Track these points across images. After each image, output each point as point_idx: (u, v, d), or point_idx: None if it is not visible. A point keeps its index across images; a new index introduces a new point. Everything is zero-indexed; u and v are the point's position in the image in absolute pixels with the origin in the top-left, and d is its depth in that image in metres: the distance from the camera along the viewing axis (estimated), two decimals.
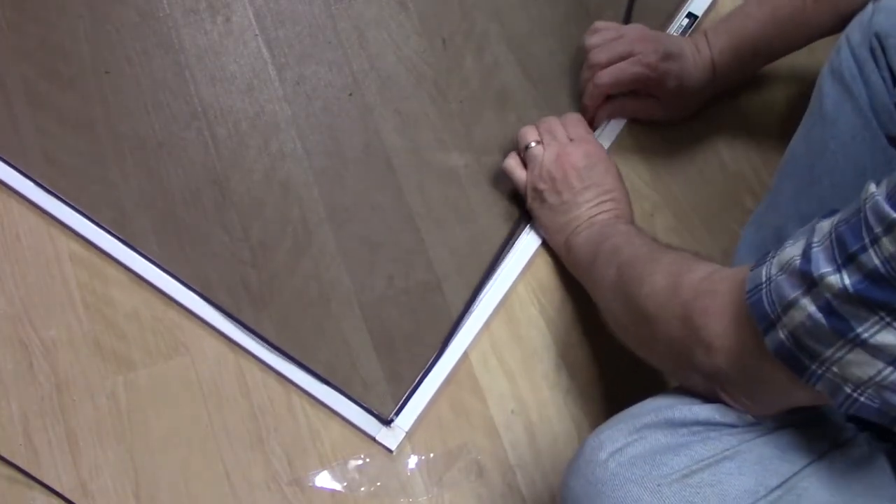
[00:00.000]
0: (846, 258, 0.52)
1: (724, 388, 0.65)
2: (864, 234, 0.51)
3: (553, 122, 0.98)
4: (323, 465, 0.92)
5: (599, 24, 1.02)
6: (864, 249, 0.51)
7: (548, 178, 0.94)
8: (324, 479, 0.91)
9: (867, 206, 0.52)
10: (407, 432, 0.92)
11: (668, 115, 1.02)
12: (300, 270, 0.98)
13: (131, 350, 0.95)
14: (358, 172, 1.03)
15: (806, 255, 0.55)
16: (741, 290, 0.60)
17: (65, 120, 1.03)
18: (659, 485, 0.63)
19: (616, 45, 0.98)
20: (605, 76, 0.97)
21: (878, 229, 0.50)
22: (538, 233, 0.99)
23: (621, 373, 0.95)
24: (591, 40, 1.00)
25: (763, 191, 0.93)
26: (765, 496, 0.62)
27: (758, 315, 0.58)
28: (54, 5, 1.08)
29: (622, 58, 0.97)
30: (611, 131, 1.04)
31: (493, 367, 0.95)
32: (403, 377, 0.94)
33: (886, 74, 0.77)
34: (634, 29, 0.99)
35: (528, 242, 0.99)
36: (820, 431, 0.66)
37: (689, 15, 1.09)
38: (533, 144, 0.96)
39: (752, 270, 0.60)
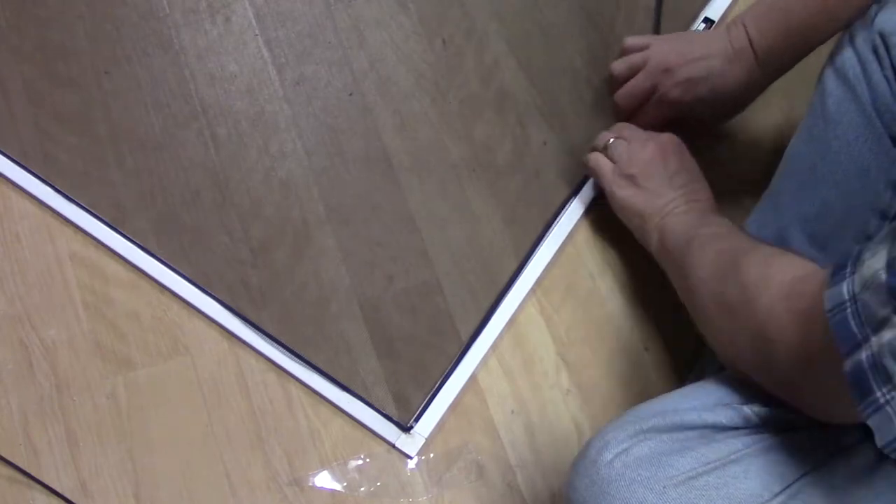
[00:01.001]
0: None
1: (797, 393, 0.64)
2: None
3: (623, 126, 0.97)
4: (323, 465, 0.92)
5: (627, 41, 1.00)
6: None
7: (640, 162, 0.92)
8: (324, 479, 0.91)
9: None
10: (426, 438, 0.92)
11: (717, 119, 1.01)
12: (300, 270, 0.98)
13: (131, 350, 0.95)
14: (358, 172, 1.03)
15: (892, 267, 0.51)
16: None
17: (65, 120, 1.03)
18: (665, 486, 0.63)
19: (638, 83, 0.97)
20: (637, 123, 0.97)
21: None
22: (620, 215, 0.95)
23: (621, 373, 0.95)
24: (616, 69, 1.00)
25: (763, 191, 0.92)
26: (769, 500, 0.62)
27: (842, 336, 0.53)
28: (54, 5, 1.08)
29: (646, 96, 0.97)
30: None
31: (493, 367, 0.95)
32: (406, 378, 0.94)
33: (890, 74, 0.76)
34: (659, 47, 0.97)
35: (539, 258, 0.99)
36: (826, 435, 0.65)
37: (706, 20, 1.08)
38: (613, 140, 0.95)
39: (829, 287, 0.56)
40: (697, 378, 0.86)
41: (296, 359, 0.94)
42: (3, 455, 0.90)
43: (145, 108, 1.04)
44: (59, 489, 0.89)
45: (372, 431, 0.92)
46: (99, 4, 1.08)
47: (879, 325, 0.50)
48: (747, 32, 0.89)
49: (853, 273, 0.54)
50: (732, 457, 0.64)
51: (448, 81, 1.07)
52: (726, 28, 0.92)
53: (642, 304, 0.98)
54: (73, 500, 0.89)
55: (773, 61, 0.89)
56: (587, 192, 1.01)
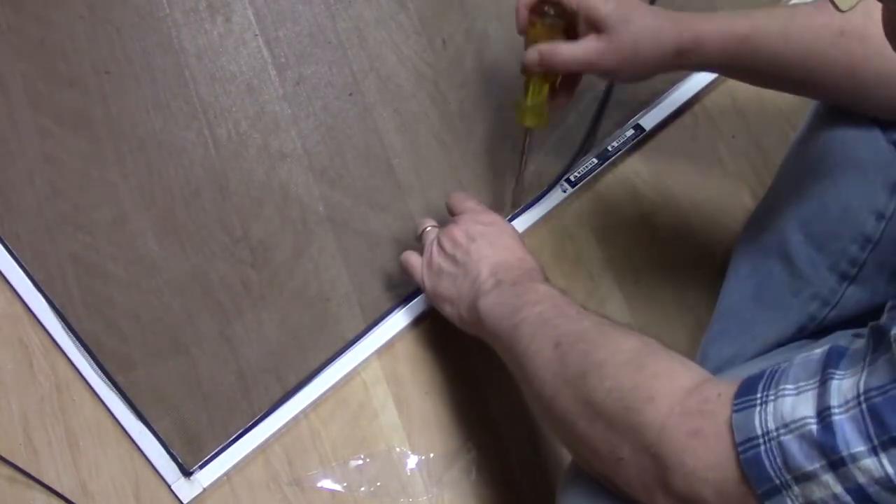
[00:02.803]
0: (888, 441, 0.46)
1: None
2: None
3: (457, 199, 0.91)
4: (323, 465, 0.92)
5: None
6: None
7: (443, 248, 0.86)
8: (324, 480, 0.91)
9: None
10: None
11: (609, 59, 0.80)
12: (300, 270, 0.98)
13: (131, 350, 0.95)
14: (358, 172, 1.03)
15: (825, 421, 0.49)
16: None
17: (65, 120, 1.03)
18: None
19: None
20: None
21: None
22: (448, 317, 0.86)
23: None
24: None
25: (763, 191, 0.93)
26: None
27: (756, 476, 0.51)
28: (54, 5, 1.08)
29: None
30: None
31: (493, 367, 0.95)
32: None
33: None
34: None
35: None
36: None
37: (637, 127, 1.03)
38: (428, 228, 0.91)
39: (736, 409, 0.53)
40: None
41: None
42: (3, 455, 0.90)
43: (145, 108, 1.04)
44: (59, 489, 0.89)
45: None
46: (99, 4, 1.08)
47: (804, 479, 0.49)
48: (698, 18, 0.79)
49: (765, 402, 0.52)
50: None
51: (448, 81, 1.07)
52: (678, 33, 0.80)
53: (642, 305, 0.98)
54: (73, 500, 0.89)
55: (700, 51, 0.79)
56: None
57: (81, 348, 0.93)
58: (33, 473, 0.89)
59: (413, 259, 0.90)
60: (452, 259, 0.85)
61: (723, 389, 0.56)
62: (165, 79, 1.05)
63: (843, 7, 0.54)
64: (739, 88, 1.04)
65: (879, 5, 0.51)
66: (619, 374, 0.61)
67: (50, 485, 0.89)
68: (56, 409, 0.93)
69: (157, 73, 1.06)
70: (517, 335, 0.72)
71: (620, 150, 1.02)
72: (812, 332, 0.81)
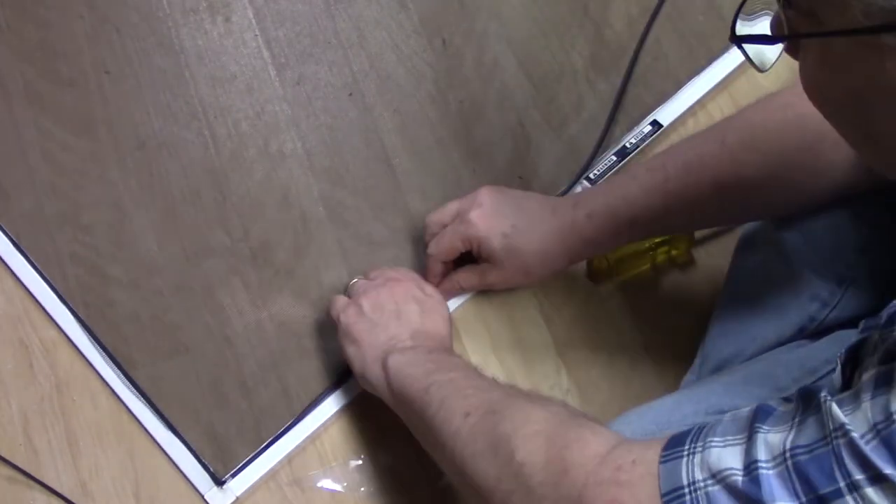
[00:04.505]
0: (815, 499, 0.47)
1: None
2: (838, 475, 0.46)
3: (383, 269, 0.93)
4: (323, 465, 0.92)
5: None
6: (839, 494, 0.46)
7: (373, 294, 0.87)
8: (324, 479, 0.91)
9: (840, 441, 0.47)
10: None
11: (502, 280, 0.92)
12: (300, 270, 0.98)
13: (131, 350, 0.95)
14: (358, 172, 1.03)
15: (752, 474, 0.49)
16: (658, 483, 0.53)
17: (65, 120, 1.03)
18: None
19: (449, 206, 0.92)
20: (431, 245, 0.92)
21: (858, 476, 0.46)
22: (351, 363, 0.86)
23: (621, 373, 0.95)
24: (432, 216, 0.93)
25: None
26: None
27: None
28: (54, 5, 1.08)
29: (454, 218, 0.91)
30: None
31: (493, 367, 0.95)
32: None
33: None
34: (485, 190, 0.91)
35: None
36: None
37: (654, 123, 1.03)
38: (355, 280, 0.92)
39: (663, 461, 0.53)
40: (695, 378, 0.87)
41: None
42: (3, 455, 0.90)
43: (145, 108, 1.04)
44: (59, 489, 0.89)
45: None
46: (99, 4, 1.08)
47: None
48: (574, 212, 0.86)
49: (692, 453, 0.52)
50: None
51: (448, 81, 1.07)
52: (552, 202, 0.90)
53: (642, 304, 0.98)
54: (73, 500, 0.89)
55: (594, 236, 0.86)
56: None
57: (119, 374, 0.93)
58: (33, 473, 0.89)
59: (340, 298, 0.90)
60: (380, 309, 0.86)
61: (637, 454, 0.55)
62: (165, 79, 1.05)
63: (762, 68, 0.55)
64: (740, 91, 1.04)
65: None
66: (530, 447, 0.61)
67: (50, 485, 0.89)
68: (56, 409, 0.93)
69: (157, 73, 1.06)
70: (426, 399, 0.73)
71: (639, 146, 1.02)
72: (812, 332, 0.81)
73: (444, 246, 0.91)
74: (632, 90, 1.05)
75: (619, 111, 1.05)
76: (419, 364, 0.78)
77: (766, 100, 0.80)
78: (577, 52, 1.08)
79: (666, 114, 1.03)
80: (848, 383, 0.52)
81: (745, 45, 0.54)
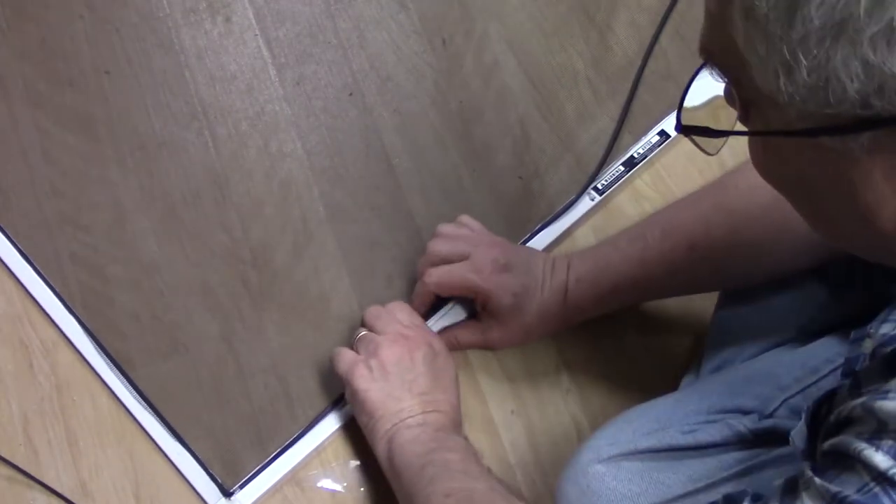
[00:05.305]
0: None
1: None
2: None
3: (381, 311, 0.90)
4: (323, 465, 0.92)
5: (462, 219, 0.94)
6: None
7: (384, 354, 0.84)
8: (324, 479, 0.91)
9: None
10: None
11: (503, 340, 0.92)
12: (300, 270, 0.98)
13: (131, 350, 0.95)
14: (358, 172, 1.03)
15: None
16: None
17: (65, 120, 1.03)
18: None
19: (459, 243, 0.90)
20: (433, 275, 0.89)
21: None
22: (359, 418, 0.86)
23: (621, 372, 0.95)
24: (441, 229, 0.92)
25: None
26: None
27: None
28: (54, 5, 1.08)
29: (461, 258, 0.89)
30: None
31: (493, 367, 0.95)
32: None
33: None
34: (489, 233, 0.92)
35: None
36: None
37: (662, 133, 1.03)
38: (363, 333, 0.88)
39: None
40: (695, 378, 0.87)
41: None
42: (3, 455, 0.90)
43: (145, 108, 1.04)
44: (59, 489, 0.89)
45: None
46: (99, 4, 1.08)
47: None
48: (569, 267, 0.87)
49: None
50: (724, 474, 0.64)
51: (448, 81, 1.07)
52: (554, 256, 0.90)
53: (642, 304, 0.98)
54: (73, 500, 0.89)
55: (578, 303, 0.88)
56: None
57: (124, 380, 0.93)
58: (33, 473, 0.89)
59: (346, 353, 0.87)
60: (391, 374, 0.84)
61: None
62: (165, 79, 1.06)
63: (710, 151, 0.56)
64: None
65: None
66: None
67: (50, 485, 0.89)
68: (56, 409, 0.93)
69: (157, 73, 1.06)
70: (421, 473, 0.75)
71: (646, 156, 1.02)
72: (812, 333, 0.81)
73: (447, 286, 0.89)
74: (639, 99, 1.05)
75: (627, 120, 1.05)
76: (422, 442, 0.79)
77: (745, 161, 0.80)
78: (577, 52, 1.08)
79: (673, 123, 1.03)
80: (813, 438, 0.52)
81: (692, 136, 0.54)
